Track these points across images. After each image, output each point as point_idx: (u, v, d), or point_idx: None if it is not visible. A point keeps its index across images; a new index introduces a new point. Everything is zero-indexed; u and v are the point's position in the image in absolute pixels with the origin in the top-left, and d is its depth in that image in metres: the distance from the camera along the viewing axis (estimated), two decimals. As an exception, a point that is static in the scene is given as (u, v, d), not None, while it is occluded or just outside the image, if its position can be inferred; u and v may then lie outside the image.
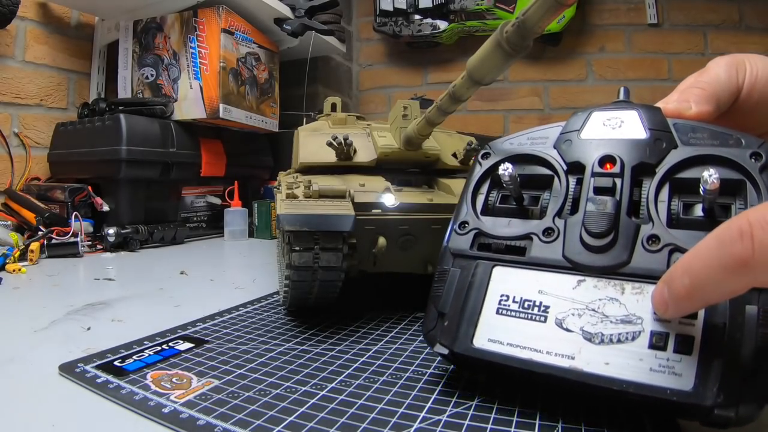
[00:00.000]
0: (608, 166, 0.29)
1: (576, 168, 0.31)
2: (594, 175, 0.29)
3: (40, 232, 0.81)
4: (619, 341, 0.25)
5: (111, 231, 0.88)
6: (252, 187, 1.23)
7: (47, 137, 1.03)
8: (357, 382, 0.33)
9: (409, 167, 0.55)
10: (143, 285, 0.63)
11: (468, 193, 0.34)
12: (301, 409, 0.29)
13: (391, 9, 1.55)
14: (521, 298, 0.29)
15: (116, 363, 0.36)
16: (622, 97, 0.33)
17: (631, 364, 0.24)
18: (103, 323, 0.46)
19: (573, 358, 0.25)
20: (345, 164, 0.52)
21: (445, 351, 0.29)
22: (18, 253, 0.73)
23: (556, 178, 0.32)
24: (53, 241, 0.82)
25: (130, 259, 0.83)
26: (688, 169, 0.28)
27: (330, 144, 0.50)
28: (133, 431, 0.27)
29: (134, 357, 0.37)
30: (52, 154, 1.02)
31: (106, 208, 0.92)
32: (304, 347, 0.40)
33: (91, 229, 0.90)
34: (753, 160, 0.26)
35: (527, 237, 0.30)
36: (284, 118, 1.25)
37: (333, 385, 0.32)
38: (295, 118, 1.25)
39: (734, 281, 0.20)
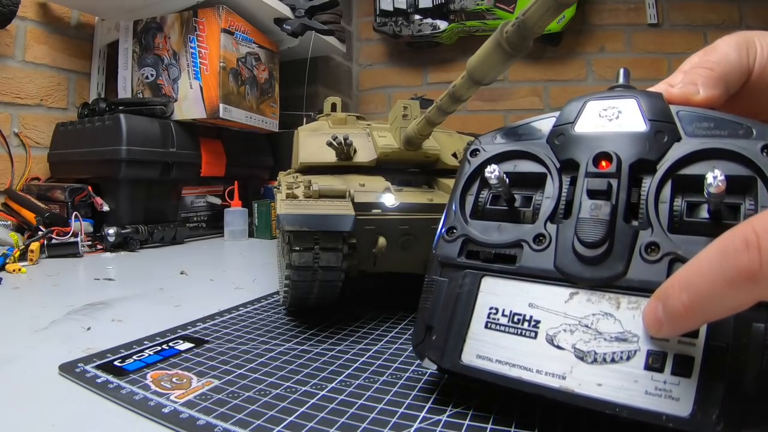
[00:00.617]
0: (604, 164, 0.27)
1: (569, 166, 0.29)
2: (588, 175, 0.27)
3: (40, 232, 0.81)
4: (613, 361, 0.23)
5: (111, 231, 0.88)
6: (252, 187, 1.23)
7: (47, 137, 1.03)
8: (357, 382, 0.33)
9: (409, 167, 0.55)
10: (143, 285, 0.63)
11: (456, 194, 0.32)
12: (301, 409, 0.29)
13: (391, 9, 1.55)
14: (511, 311, 0.27)
15: (116, 363, 0.36)
16: (621, 79, 0.31)
17: (626, 386, 0.22)
18: (103, 323, 0.46)
19: (564, 378, 0.24)
20: (345, 164, 0.52)
21: (433, 366, 0.28)
22: (18, 253, 0.73)
23: (548, 177, 0.30)
24: (53, 241, 0.82)
25: (130, 259, 0.83)
26: (692, 164, 0.25)
27: (330, 144, 0.50)
28: (133, 431, 0.27)
29: (134, 357, 0.37)
30: (52, 154, 1.02)
31: (106, 208, 0.92)
32: (304, 347, 0.40)
33: (91, 229, 0.90)
34: (764, 154, 0.24)
35: (517, 244, 0.28)
36: (284, 118, 1.26)
37: (333, 385, 0.32)
38: (295, 118, 1.25)
39: (739, 296, 0.18)
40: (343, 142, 0.50)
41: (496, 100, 1.65)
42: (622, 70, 0.31)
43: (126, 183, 0.95)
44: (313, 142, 0.54)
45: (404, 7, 1.54)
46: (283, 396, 0.31)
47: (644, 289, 0.24)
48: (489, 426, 0.27)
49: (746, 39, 0.29)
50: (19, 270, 0.68)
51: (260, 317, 0.48)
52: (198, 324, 0.46)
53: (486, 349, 0.27)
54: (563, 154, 0.29)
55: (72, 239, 0.82)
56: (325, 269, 0.42)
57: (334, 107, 0.66)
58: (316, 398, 0.30)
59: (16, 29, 0.97)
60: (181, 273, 0.70)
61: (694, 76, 0.28)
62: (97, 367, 0.35)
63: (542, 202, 0.29)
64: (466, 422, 0.27)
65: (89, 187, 0.92)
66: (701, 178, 0.23)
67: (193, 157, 1.06)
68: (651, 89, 0.30)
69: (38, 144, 1.03)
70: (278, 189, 0.56)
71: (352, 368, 0.35)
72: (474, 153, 0.33)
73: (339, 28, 1.33)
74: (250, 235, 1.11)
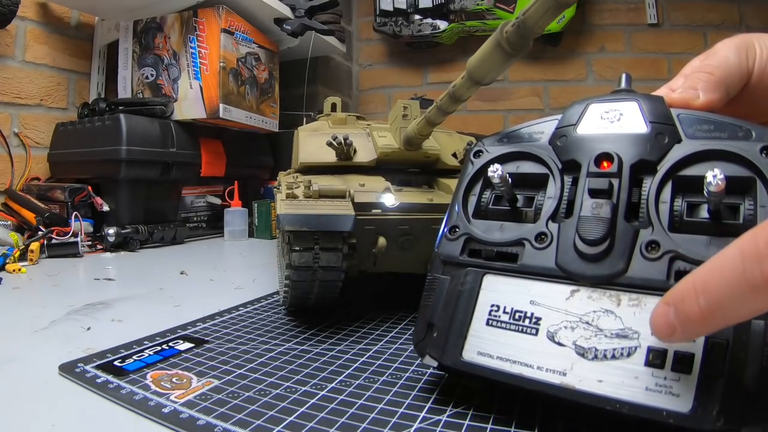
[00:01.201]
0: (605, 164, 0.27)
1: (571, 166, 0.29)
2: (590, 175, 0.27)
3: (40, 232, 0.81)
4: (613, 357, 0.23)
5: (111, 231, 0.88)
6: (252, 187, 1.23)
7: (47, 137, 1.03)
8: (357, 382, 0.33)
9: (409, 167, 0.55)
10: (143, 285, 0.63)
11: (459, 194, 0.33)
12: (301, 409, 0.29)
13: (391, 9, 1.55)
14: (512, 308, 0.27)
15: (116, 363, 0.36)
16: (623, 84, 0.31)
17: (626, 382, 0.23)
18: (103, 323, 0.46)
19: (565, 375, 0.24)
20: (345, 164, 0.52)
21: (434, 363, 0.29)
22: (18, 253, 0.73)
23: (550, 178, 0.30)
24: (53, 241, 0.82)
25: (130, 259, 0.83)
26: (692, 165, 0.26)
27: (330, 144, 0.50)
28: (133, 431, 0.27)
29: (134, 357, 0.37)
30: (52, 154, 1.02)
31: (106, 208, 0.92)
32: (304, 347, 0.40)
33: (91, 229, 0.90)
34: (764, 155, 0.24)
35: (519, 243, 0.28)
36: (284, 118, 1.26)
37: (333, 385, 0.32)
38: (295, 118, 1.25)
39: (763, 300, 0.17)
40: (343, 142, 0.50)
41: (496, 100, 1.65)
42: (624, 75, 0.31)
43: (126, 183, 0.95)
44: (313, 142, 0.54)
45: (404, 7, 1.54)
46: (283, 396, 0.31)
47: (645, 287, 0.24)
48: (489, 426, 0.27)
49: (746, 42, 0.29)
50: (19, 270, 0.68)
51: (260, 317, 0.48)
52: (198, 324, 0.46)
53: (487, 346, 0.27)
54: (565, 155, 0.30)
55: (72, 239, 0.82)
56: (325, 269, 0.42)
57: (334, 107, 0.66)
58: (316, 398, 0.30)
59: (16, 29, 0.97)
60: (181, 273, 0.70)
61: (694, 80, 0.29)
62: (97, 367, 0.35)
63: (544, 202, 0.30)
64: (466, 422, 0.27)
65: (89, 187, 0.92)
66: (701, 178, 0.24)
67: (193, 157, 1.06)
68: (652, 93, 0.30)
69: (38, 144, 1.03)
70: (278, 189, 0.56)
71: (352, 368, 0.35)
72: (477, 154, 0.34)
73: (339, 28, 1.33)
74: (250, 235, 1.11)
